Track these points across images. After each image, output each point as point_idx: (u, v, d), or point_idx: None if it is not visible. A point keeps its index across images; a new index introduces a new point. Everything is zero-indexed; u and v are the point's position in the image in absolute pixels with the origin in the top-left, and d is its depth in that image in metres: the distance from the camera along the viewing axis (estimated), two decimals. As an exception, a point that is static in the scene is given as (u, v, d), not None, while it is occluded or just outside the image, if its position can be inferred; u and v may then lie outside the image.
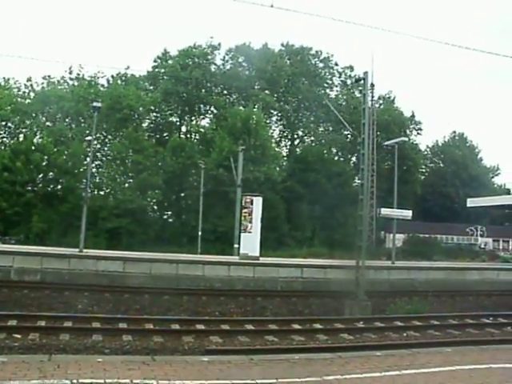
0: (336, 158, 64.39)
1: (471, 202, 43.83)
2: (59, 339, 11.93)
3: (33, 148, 50.41)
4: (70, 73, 58.52)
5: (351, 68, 66.94)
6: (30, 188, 48.82)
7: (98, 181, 53.43)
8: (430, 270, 29.26)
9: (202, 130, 60.71)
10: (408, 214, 39.12)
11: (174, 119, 63.66)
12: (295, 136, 68.24)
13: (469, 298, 24.44)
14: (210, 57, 64.19)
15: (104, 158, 57.38)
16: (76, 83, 58.10)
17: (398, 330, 15.23)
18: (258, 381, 7.02)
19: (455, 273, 29.73)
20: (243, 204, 30.19)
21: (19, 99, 56.02)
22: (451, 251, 51.16)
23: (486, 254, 52.36)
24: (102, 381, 6.55)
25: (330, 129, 65.97)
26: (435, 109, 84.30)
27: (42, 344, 11.38)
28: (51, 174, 50.62)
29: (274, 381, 7.07)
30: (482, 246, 58.08)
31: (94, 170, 50.92)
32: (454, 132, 73.24)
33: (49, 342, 11.63)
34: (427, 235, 53.03)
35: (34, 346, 11.15)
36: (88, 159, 42.04)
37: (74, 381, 6.45)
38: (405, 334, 14.77)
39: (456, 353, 9.74)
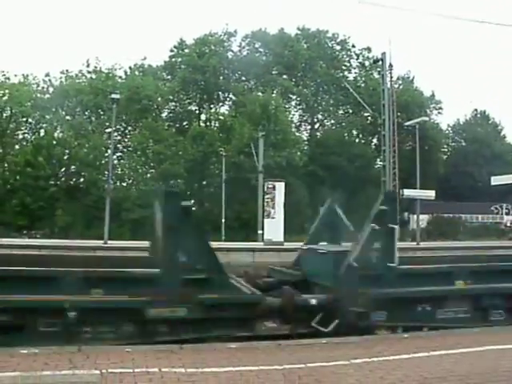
0: (357, 141, 64.09)
1: (495, 180, 43.40)
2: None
3: (54, 142, 50.87)
4: (88, 66, 58.72)
5: (369, 49, 66.48)
6: (52, 182, 49.34)
7: (119, 172, 53.69)
8: (455, 250, 29.03)
9: (221, 117, 60.63)
10: (431, 194, 38.85)
11: (193, 108, 63.73)
12: (315, 120, 68.06)
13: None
14: (226, 44, 64.17)
15: (125, 150, 57.70)
16: (94, 76, 58.26)
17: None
18: (286, 366, 7.01)
19: (481, 252, 29.46)
20: (265, 190, 30.24)
21: (38, 95, 56.35)
22: (476, 230, 50.67)
23: (513, 232, 51.81)
24: (130, 370, 6.59)
25: (350, 111, 65.68)
26: (456, 87, 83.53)
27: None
28: (73, 167, 51.09)
29: (302, 366, 7.06)
30: (508, 225, 57.28)
31: (115, 161, 51.14)
32: (476, 110, 72.35)
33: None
34: (451, 215, 52.58)
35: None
36: (109, 151, 42.25)
37: (104, 371, 6.50)
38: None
39: (484, 333, 9.63)
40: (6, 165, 51.38)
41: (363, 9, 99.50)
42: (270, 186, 29.64)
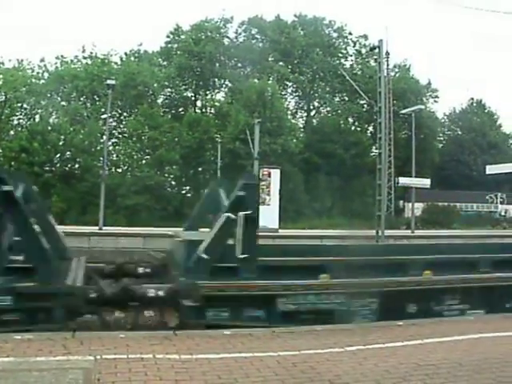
0: (353, 128, 63.98)
1: (490, 169, 43.51)
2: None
3: (49, 128, 50.66)
4: (83, 51, 58.43)
5: (365, 37, 66.31)
6: (47, 168, 49.18)
7: (115, 158, 53.56)
8: (449, 239, 29.16)
9: (217, 103, 60.56)
10: (426, 182, 39.03)
11: (189, 94, 63.58)
12: (311, 107, 67.97)
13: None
14: (222, 30, 63.95)
15: (120, 136, 57.56)
16: (89, 62, 58.01)
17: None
18: (280, 353, 7.03)
19: (475, 241, 29.56)
20: (261, 177, 30.23)
21: (33, 80, 56.07)
22: (471, 219, 50.82)
23: (507, 222, 52.00)
24: (124, 356, 6.60)
25: (346, 99, 65.58)
26: (452, 76, 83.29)
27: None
28: (68, 153, 50.93)
29: (297, 352, 7.08)
30: (503, 214, 57.45)
31: (110, 147, 51.06)
32: (472, 99, 72.17)
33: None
34: (446, 203, 52.69)
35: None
36: (104, 137, 42.13)
37: (98, 357, 6.51)
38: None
39: (478, 320, 9.69)
40: (0, 150, 51.19)
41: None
42: (265, 172, 29.68)
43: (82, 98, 56.90)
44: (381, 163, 20.63)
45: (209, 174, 53.26)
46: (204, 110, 61.41)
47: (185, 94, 63.07)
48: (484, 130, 67.91)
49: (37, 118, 55.18)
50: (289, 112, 62.27)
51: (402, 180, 39.17)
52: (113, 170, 51.90)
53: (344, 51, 68.07)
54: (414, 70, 67.41)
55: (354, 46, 68.10)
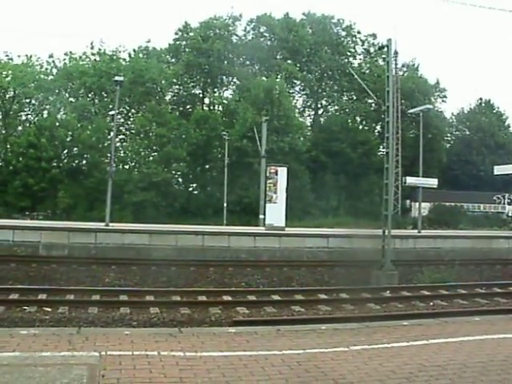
0: (360, 127, 63.88)
1: (498, 170, 43.19)
2: (87, 312, 12.05)
3: (57, 124, 50.88)
4: (92, 48, 58.66)
5: (374, 36, 66.26)
6: (55, 164, 49.41)
7: (122, 155, 53.67)
8: (456, 239, 29.02)
9: (225, 101, 60.63)
10: (434, 182, 38.85)
11: (197, 91, 63.65)
12: (319, 105, 67.91)
13: (496, 266, 24.17)
14: (231, 28, 63.94)
15: (128, 132, 57.71)
16: (98, 58, 58.17)
17: (425, 299, 15.11)
18: (285, 351, 7.01)
19: (482, 241, 29.41)
20: (268, 175, 30.16)
21: (42, 76, 56.28)
22: (478, 220, 50.60)
23: (514, 223, 51.72)
24: (129, 353, 6.60)
25: (354, 98, 65.51)
26: (461, 75, 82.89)
27: (71, 317, 11.53)
28: (76, 149, 51.12)
29: (301, 351, 7.06)
30: (510, 214, 57.19)
31: (118, 144, 51.15)
32: (481, 99, 71.93)
33: (77, 315, 11.77)
34: (453, 204, 52.52)
35: (64, 319, 11.29)
36: (112, 134, 42.15)
37: (103, 353, 6.50)
38: (432, 304, 14.66)
39: (484, 322, 9.64)
40: (8, 146, 51.40)
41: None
42: (272, 170, 29.58)
43: (89, 95, 57.06)
44: (388, 162, 20.49)
45: (216, 172, 53.31)
46: (212, 108, 61.47)
47: (193, 92, 63.20)
48: (492, 130, 67.60)
49: (45, 113, 55.42)
50: (296, 110, 62.26)
51: (410, 179, 39.01)
52: (120, 166, 52.01)
53: (352, 50, 67.99)
54: (422, 70, 67.60)
55: (362, 45, 68.06)
